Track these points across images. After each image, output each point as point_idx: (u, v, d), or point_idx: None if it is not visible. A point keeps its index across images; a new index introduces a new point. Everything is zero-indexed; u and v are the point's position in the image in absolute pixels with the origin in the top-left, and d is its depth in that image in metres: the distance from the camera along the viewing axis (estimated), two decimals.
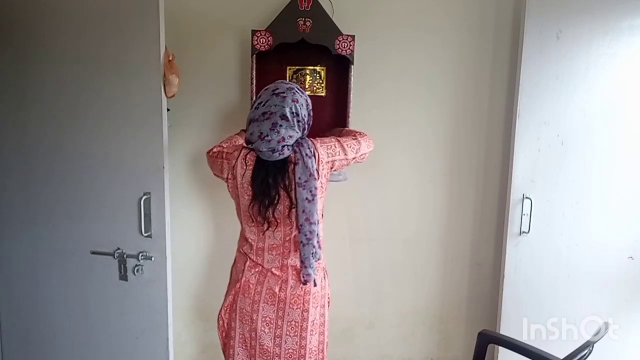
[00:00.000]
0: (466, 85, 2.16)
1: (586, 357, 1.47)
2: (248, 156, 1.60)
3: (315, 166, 1.57)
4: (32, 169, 1.84)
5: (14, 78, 1.80)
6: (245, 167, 1.60)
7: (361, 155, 1.75)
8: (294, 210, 1.60)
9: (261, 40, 1.94)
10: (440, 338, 2.37)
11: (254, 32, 1.94)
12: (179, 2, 2.04)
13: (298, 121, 1.59)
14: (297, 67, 2.11)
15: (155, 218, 1.78)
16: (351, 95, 2.02)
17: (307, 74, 2.12)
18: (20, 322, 1.97)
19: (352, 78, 2.00)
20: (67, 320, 1.93)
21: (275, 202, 1.58)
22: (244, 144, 1.66)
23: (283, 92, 1.58)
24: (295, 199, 1.58)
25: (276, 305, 1.67)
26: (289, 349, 1.68)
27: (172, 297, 1.86)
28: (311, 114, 1.67)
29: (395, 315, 2.35)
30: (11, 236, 1.91)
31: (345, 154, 1.68)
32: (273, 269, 1.67)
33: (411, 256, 2.30)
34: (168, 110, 1.79)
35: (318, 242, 1.63)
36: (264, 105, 1.58)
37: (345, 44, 1.94)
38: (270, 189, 1.57)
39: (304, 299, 1.66)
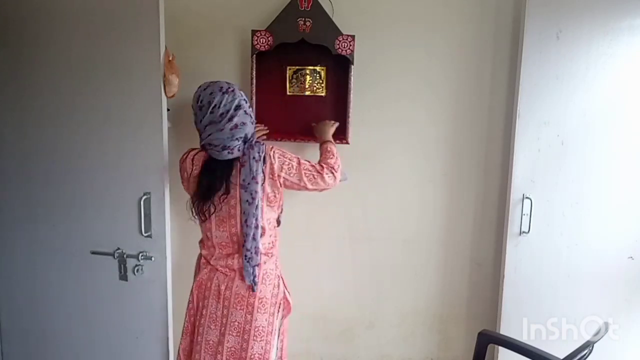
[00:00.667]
0: (466, 85, 2.16)
1: (586, 357, 1.47)
2: (195, 157, 1.66)
3: (260, 170, 1.59)
4: (32, 169, 1.84)
5: (13, 78, 1.79)
6: (192, 166, 1.65)
7: (317, 189, 1.72)
8: (237, 207, 1.63)
9: (261, 40, 1.94)
10: (440, 338, 2.37)
11: (254, 32, 1.94)
12: (178, 2, 2.04)
13: (245, 112, 1.60)
14: (297, 67, 2.11)
15: (155, 218, 1.78)
16: (351, 95, 2.02)
17: (307, 74, 2.12)
18: (20, 322, 1.97)
19: (352, 78, 2.01)
20: (67, 320, 1.93)
21: (218, 190, 1.60)
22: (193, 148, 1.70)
23: (218, 84, 1.60)
24: (240, 199, 1.61)
25: (221, 303, 1.69)
26: (230, 347, 1.69)
27: (172, 297, 1.86)
28: (240, 104, 1.62)
29: (395, 315, 2.35)
30: (11, 236, 1.91)
31: (299, 180, 1.67)
32: (219, 267, 1.70)
33: (411, 256, 2.30)
34: (168, 110, 1.79)
35: (256, 248, 1.63)
36: (203, 118, 1.58)
37: (345, 44, 1.94)
38: (216, 180, 1.60)
39: (247, 301, 1.67)
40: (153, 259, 1.80)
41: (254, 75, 1.99)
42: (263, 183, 1.61)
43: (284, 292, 1.77)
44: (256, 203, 1.59)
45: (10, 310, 1.97)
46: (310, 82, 2.12)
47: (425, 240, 2.28)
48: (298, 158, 1.69)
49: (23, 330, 1.97)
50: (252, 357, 1.68)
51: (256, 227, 1.62)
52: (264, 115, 2.06)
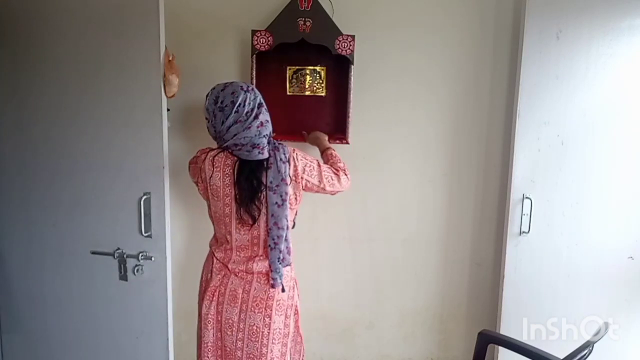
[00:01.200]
0: (466, 85, 2.16)
1: (586, 357, 1.47)
2: (216, 158, 1.61)
3: (287, 171, 1.58)
4: (32, 169, 1.84)
5: (12, 79, 1.79)
6: (213, 168, 1.60)
7: (334, 191, 1.74)
8: (263, 211, 1.60)
9: (261, 40, 1.94)
10: (440, 338, 2.38)
11: (254, 32, 1.94)
12: (179, 2, 2.04)
13: (266, 109, 1.62)
14: (297, 67, 2.11)
15: (155, 218, 1.78)
16: (351, 95, 2.02)
17: (307, 74, 2.12)
18: (21, 322, 1.97)
19: (352, 78, 2.00)
20: (67, 321, 1.93)
21: (258, 192, 1.58)
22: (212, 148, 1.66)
23: (240, 84, 1.60)
24: (266, 202, 1.59)
25: (238, 307, 1.66)
26: (250, 353, 1.67)
27: (172, 297, 1.86)
28: (262, 102, 1.64)
29: (395, 315, 2.35)
30: (11, 236, 1.91)
31: (319, 182, 1.68)
32: (237, 270, 1.67)
33: (411, 256, 2.30)
34: (168, 110, 1.79)
35: (287, 247, 1.64)
36: (227, 118, 1.56)
37: (345, 44, 1.94)
38: (254, 180, 1.57)
39: (266, 303, 1.65)
40: (153, 259, 1.80)
41: (254, 75, 1.99)
42: (292, 183, 1.61)
43: (297, 296, 1.77)
44: (286, 205, 1.58)
45: (11, 310, 1.97)
46: (310, 82, 2.12)
47: (425, 240, 2.28)
48: (317, 160, 1.70)
49: (23, 330, 1.97)
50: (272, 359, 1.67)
51: (287, 227, 1.61)
52: None
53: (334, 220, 2.27)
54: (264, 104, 1.63)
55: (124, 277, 1.82)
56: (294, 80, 2.12)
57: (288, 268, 1.70)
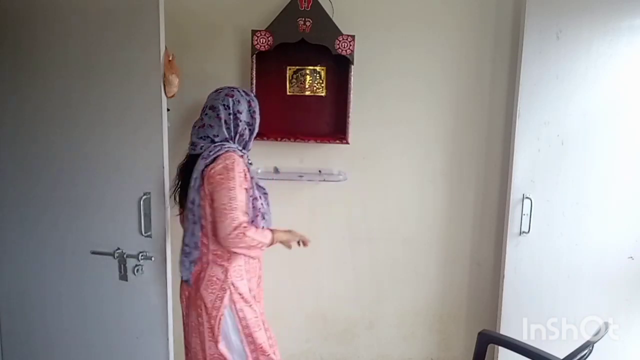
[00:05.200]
0: (466, 85, 2.16)
1: (586, 357, 1.47)
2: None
3: (202, 169, 1.61)
4: (32, 169, 1.84)
5: (13, 79, 1.79)
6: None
7: (218, 233, 1.56)
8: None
9: (261, 40, 1.94)
10: (440, 338, 2.38)
11: (254, 32, 1.94)
12: (179, 2, 2.04)
13: (229, 114, 1.65)
14: (297, 67, 2.11)
15: (155, 218, 1.78)
16: (351, 95, 2.02)
17: (307, 74, 2.12)
18: (20, 322, 1.97)
19: (352, 78, 2.01)
20: (67, 320, 1.93)
21: (178, 187, 1.74)
22: None
23: (221, 90, 1.69)
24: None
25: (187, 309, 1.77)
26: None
27: (172, 297, 1.86)
28: (254, 116, 1.72)
29: (395, 315, 2.35)
30: (11, 236, 1.90)
31: (224, 208, 1.53)
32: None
33: (411, 256, 2.30)
34: (168, 110, 1.79)
35: (195, 242, 1.66)
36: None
37: (345, 44, 1.94)
38: (177, 174, 1.74)
39: (188, 299, 1.74)
40: (153, 259, 1.80)
41: (254, 75, 1.99)
42: (202, 185, 1.61)
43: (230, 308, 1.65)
44: (197, 201, 1.63)
45: (11, 310, 1.97)
46: (310, 82, 2.12)
47: (425, 240, 2.28)
48: (238, 187, 1.55)
49: (23, 330, 1.97)
50: (194, 351, 1.73)
51: (196, 222, 1.64)
52: (264, 115, 2.06)
53: (334, 220, 2.27)
54: (215, 106, 1.68)
55: (123, 277, 1.82)
56: (294, 80, 2.12)
57: (218, 271, 1.64)
